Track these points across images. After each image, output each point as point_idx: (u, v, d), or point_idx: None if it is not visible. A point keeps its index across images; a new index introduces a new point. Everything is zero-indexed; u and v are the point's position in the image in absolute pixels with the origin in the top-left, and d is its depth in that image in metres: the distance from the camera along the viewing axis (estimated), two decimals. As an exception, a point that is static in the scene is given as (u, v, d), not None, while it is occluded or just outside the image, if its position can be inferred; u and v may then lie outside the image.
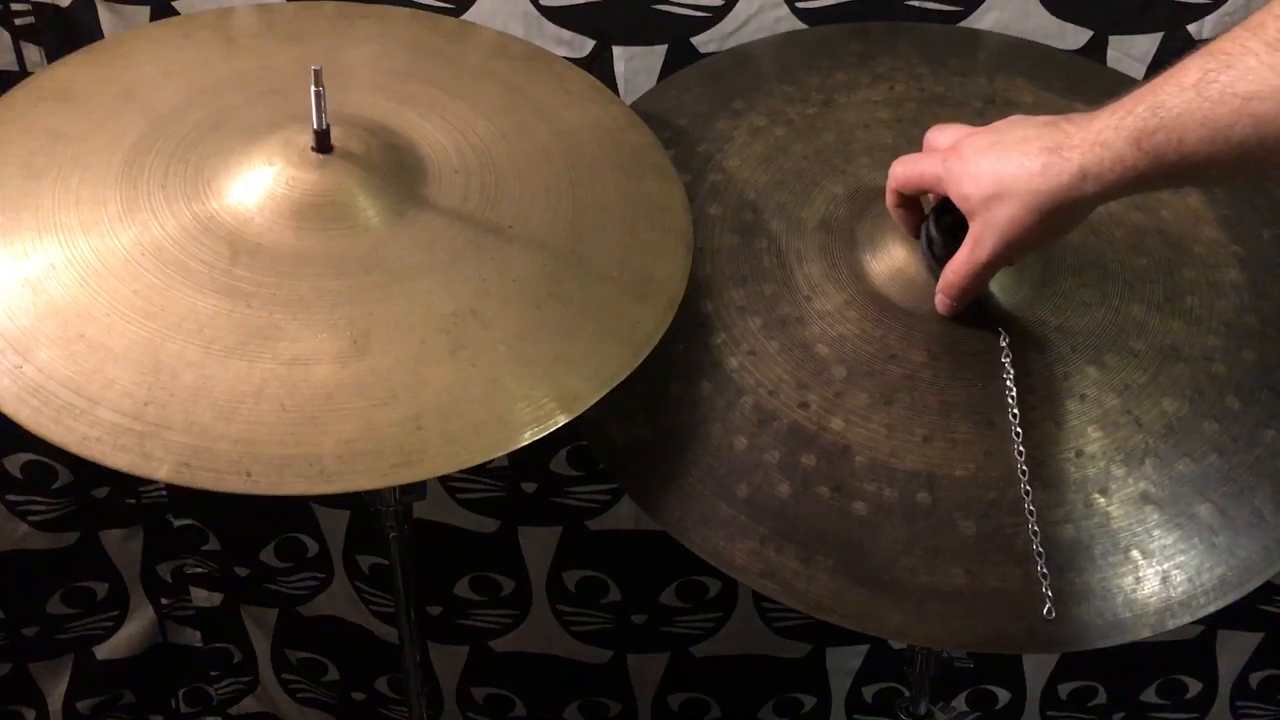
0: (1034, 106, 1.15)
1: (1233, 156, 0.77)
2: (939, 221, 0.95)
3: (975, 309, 0.97)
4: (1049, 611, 0.87)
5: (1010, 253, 0.89)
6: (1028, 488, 0.90)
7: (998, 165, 0.87)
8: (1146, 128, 0.80)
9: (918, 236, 0.98)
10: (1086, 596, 0.89)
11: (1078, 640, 0.89)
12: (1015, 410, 0.93)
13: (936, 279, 0.96)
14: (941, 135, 0.95)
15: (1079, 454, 0.93)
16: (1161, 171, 0.80)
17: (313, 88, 0.88)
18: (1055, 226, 0.87)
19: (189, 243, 0.87)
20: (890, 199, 0.98)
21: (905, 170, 0.95)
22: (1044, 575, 0.88)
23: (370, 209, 0.91)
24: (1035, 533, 0.89)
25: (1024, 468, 0.91)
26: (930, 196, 0.97)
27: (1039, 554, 0.88)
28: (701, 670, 1.73)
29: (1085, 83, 1.19)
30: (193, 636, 1.75)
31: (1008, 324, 0.97)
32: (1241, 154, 0.76)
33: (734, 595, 1.64)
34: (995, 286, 0.99)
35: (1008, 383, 0.94)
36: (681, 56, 1.26)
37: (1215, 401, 0.97)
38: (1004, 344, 0.95)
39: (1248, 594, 0.90)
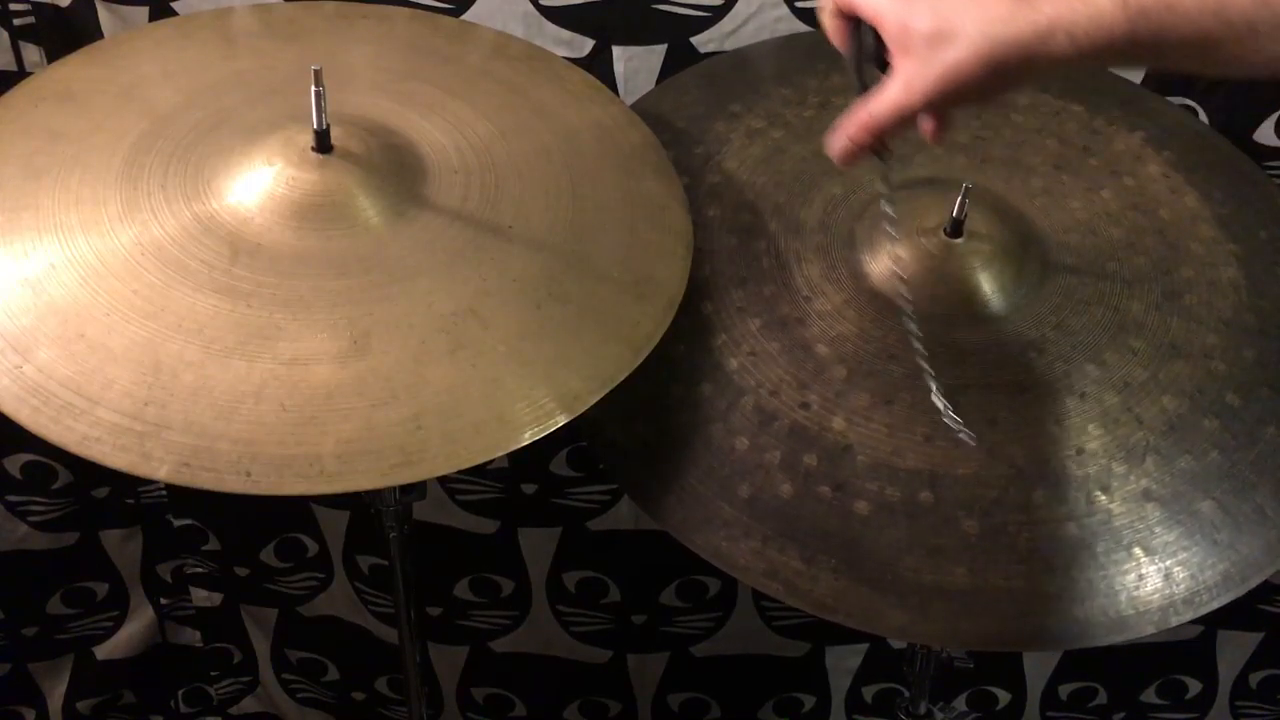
0: (1030, 107, 1.15)
1: (1222, 32, 0.69)
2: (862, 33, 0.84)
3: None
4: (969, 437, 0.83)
5: (944, 102, 0.78)
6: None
7: (956, 4, 0.75)
8: None
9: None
10: (1090, 594, 0.89)
11: (1081, 638, 0.89)
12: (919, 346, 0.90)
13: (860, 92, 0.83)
14: None
15: (1080, 452, 0.93)
16: (1147, 38, 0.71)
17: (313, 88, 0.88)
18: (1004, 82, 0.76)
19: (189, 243, 0.87)
20: (833, 20, 0.85)
21: None
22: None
23: (370, 209, 0.91)
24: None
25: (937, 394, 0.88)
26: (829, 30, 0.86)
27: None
28: (701, 670, 1.73)
29: (1082, 84, 1.19)
30: (193, 636, 1.75)
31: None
32: (1229, 30, 0.69)
33: (734, 595, 1.64)
34: (991, 285, 1.00)
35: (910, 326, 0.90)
36: (681, 56, 1.26)
37: (1215, 399, 0.97)
38: (902, 283, 0.91)
39: (1249, 593, 0.91)
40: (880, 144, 0.83)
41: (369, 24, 1.09)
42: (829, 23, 0.85)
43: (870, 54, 0.83)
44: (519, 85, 1.06)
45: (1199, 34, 0.69)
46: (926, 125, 0.83)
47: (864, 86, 0.82)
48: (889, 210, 0.87)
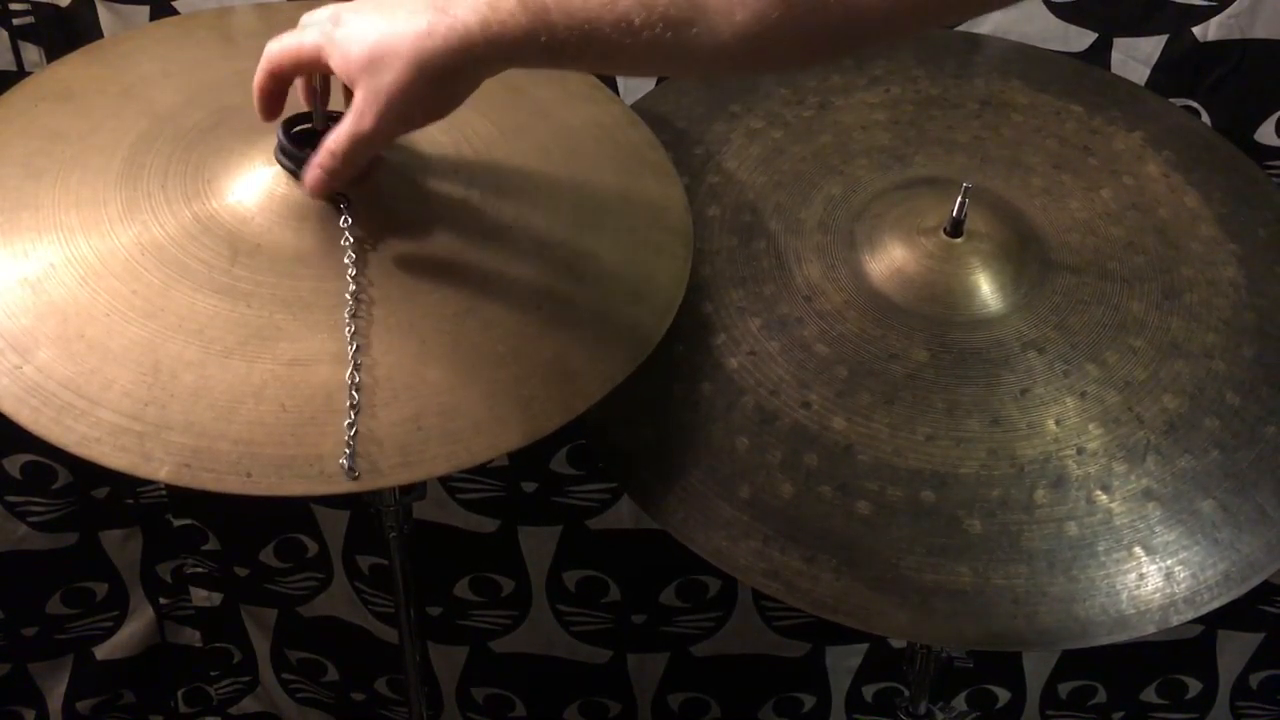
0: (1030, 109, 1.15)
1: (619, 35, 0.70)
2: (288, 131, 0.88)
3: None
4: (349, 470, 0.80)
5: (398, 123, 0.80)
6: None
7: (380, 26, 0.76)
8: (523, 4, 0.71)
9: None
10: (1090, 593, 0.89)
11: (1082, 637, 0.89)
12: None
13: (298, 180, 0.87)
14: (319, 11, 0.83)
15: (1080, 451, 0.93)
16: (552, 42, 0.72)
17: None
18: (448, 93, 0.79)
19: (189, 243, 0.87)
20: (261, 81, 0.85)
21: (282, 46, 0.83)
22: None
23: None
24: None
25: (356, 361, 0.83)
26: (299, 89, 0.88)
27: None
28: (701, 670, 1.73)
29: (1081, 85, 1.19)
30: (192, 636, 1.75)
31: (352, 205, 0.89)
32: (627, 33, 0.70)
33: (734, 594, 1.64)
34: (991, 285, 1.00)
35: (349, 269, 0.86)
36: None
37: (1215, 398, 0.97)
38: (345, 223, 0.87)
39: (1249, 593, 0.91)
40: (349, 178, 0.85)
41: (369, 24, 1.09)
42: (262, 102, 0.86)
43: (287, 148, 0.87)
44: (519, 84, 1.05)
45: (594, 31, 0.70)
46: None
47: (295, 165, 0.87)
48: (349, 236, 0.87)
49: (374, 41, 0.77)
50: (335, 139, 0.82)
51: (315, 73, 0.85)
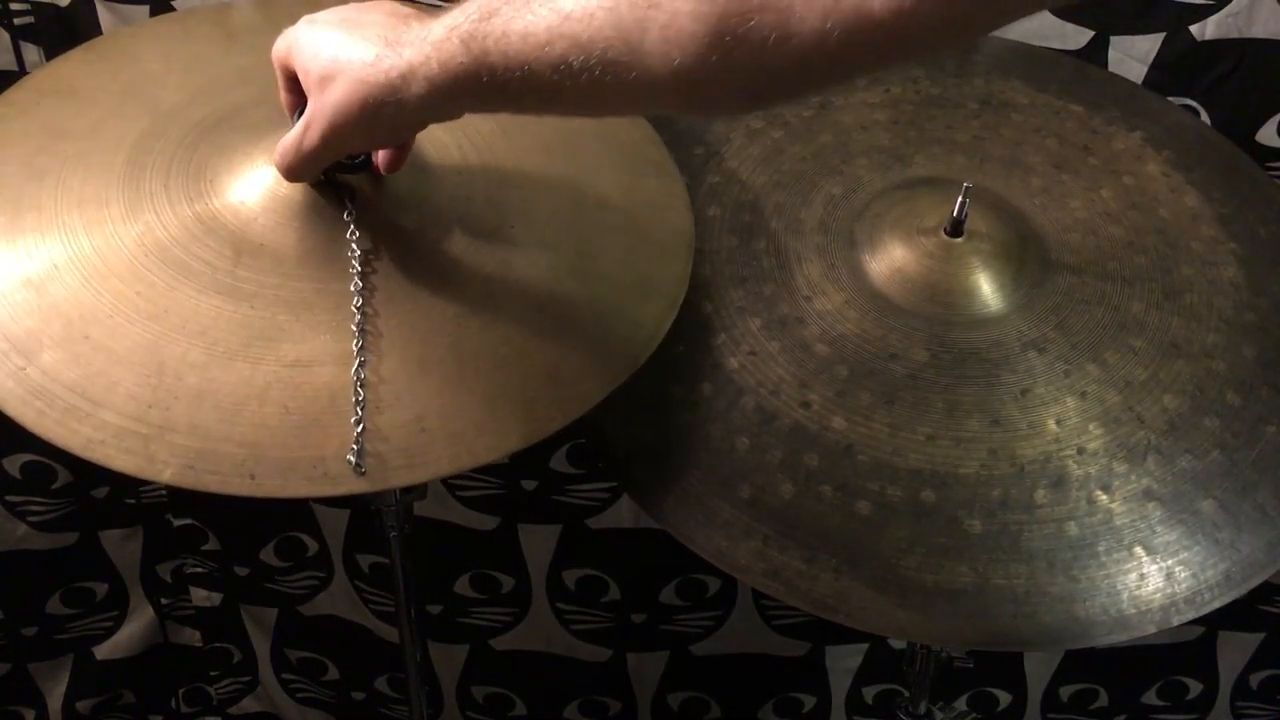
0: (1030, 108, 1.15)
1: (559, 77, 0.70)
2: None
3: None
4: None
5: (337, 143, 0.82)
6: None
7: (338, 45, 0.79)
8: (476, 32, 0.72)
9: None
10: (1091, 593, 0.89)
11: (1083, 637, 0.89)
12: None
13: None
14: (318, 14, 0.85)
15: (1081, 451, 0.93)
16: (494, 83, 0.73)
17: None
18: (383, 125, 0.80)
19: (192, 243, 0.87)
20: (280, 79, 0.88)
21: (280, 42, 0.86)
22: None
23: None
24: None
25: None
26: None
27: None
28: (701, 669, 1.73)
29: (1081, 85, 1.19)
30: (192, 636, 1.75)
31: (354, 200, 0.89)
32: (566, 76, 0.70)
33: (733, 593, 1.64)
34: (991, 285, 1.00)
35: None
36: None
37: (1216, 398, 0.97)
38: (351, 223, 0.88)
39: (1249, 593, 0.91)
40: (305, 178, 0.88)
41: (370, 24, 1.09)
42: (284, 99, 0.88)
43: None
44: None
45: (533, 74, 0.71)
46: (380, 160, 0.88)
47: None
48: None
49: (329, 59, 0.79)
50: (283, 146, 0.85)
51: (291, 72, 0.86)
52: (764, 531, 0.91)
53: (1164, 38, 1.24)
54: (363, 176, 0.90)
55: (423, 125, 0.82)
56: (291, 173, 0.86)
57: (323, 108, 0.80)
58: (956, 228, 1.00)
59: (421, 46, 0.75)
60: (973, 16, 0.63)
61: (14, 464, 1.48)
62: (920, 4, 0.60)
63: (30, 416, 0.79)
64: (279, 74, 0.87)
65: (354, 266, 0.86)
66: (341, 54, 0.78)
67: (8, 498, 1.51)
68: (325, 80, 0.79)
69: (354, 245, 0.87)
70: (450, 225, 0.92)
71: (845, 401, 0.95)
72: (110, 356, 0.81)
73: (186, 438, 0.79)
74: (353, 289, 0.85)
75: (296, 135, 0.83)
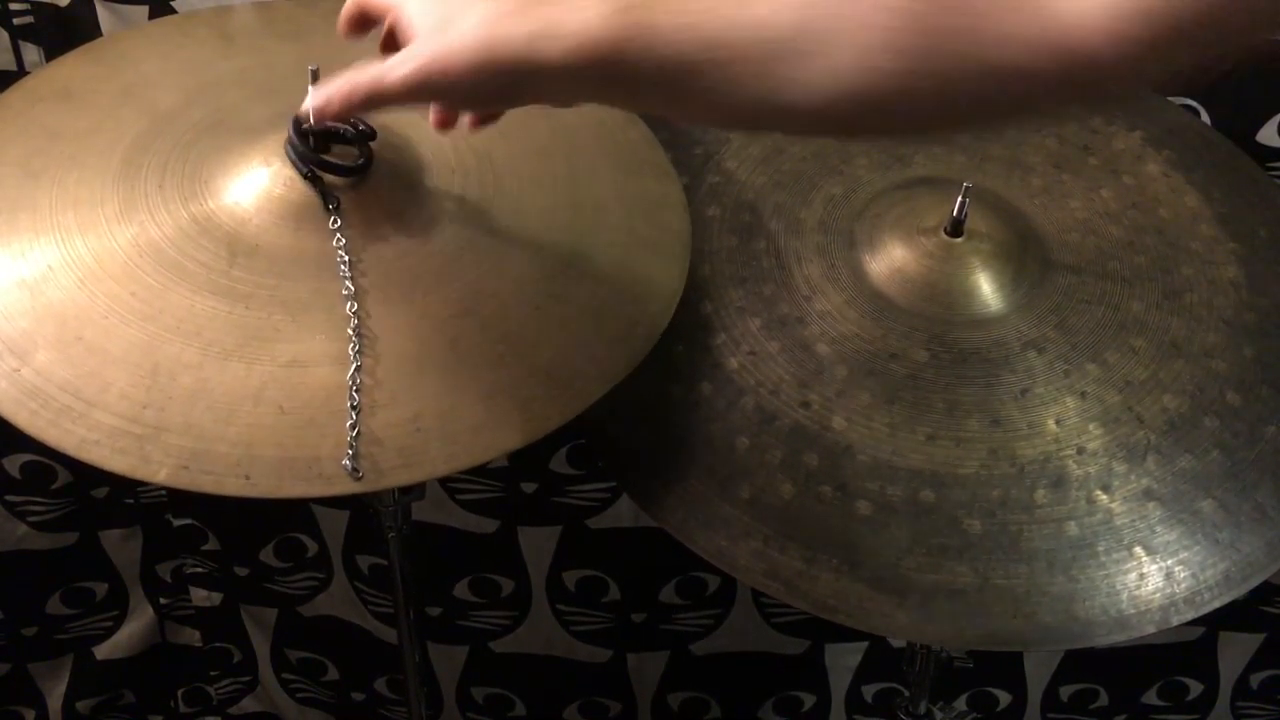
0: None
1: (695, 80, 0.65)
2: (298, 128, 0.87)
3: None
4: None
5: (427, 89, 0.72)
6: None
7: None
8: (631, 3, 0.65)
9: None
10: (1091, 593, 0.88)
11: (1082, 637, 0.89)
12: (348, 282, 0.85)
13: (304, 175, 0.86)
14: None
15: (1081, 451, 0.93)
16: (631, 56, 0.65)
17: (309, 87, 0.87)
18: (495, 86, 0.70)
19: (186, 244, 0.87)
20: (349, 12, 0.81)
21: None
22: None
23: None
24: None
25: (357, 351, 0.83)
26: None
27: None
28: (701, 668, 1.73)
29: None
30: (192, 636, 1.74)
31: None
32: (696, 77, 0.64)
33: (733, 591, 1.63)
34: (991, 285, 0.99)
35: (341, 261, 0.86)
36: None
37: (1216, 398, 0.97)
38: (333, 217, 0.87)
39: (1250, 593, 0.91)
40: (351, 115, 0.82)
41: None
42: (344, 30, 0.82)
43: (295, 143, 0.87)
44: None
45: (680, 58, 0.65)
46: (436, 115, 0.80)
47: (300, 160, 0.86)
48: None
49: (454, 8, 0.71)
50: (357, 76, 0.75)
51: (380, 21, 0.78)
52: (764, 531, 0.90)
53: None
54: (355, 179, 0.89)
55: (536, 100, 0.73)
56: (340, 103, 0.77)
57: (424, 49, 0.71)
58: (956, 228, 1.00)
59: (570, 14, 0.67)
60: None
61: (14, 464, 1.48)
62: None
63: (24, 417, 0.79)
64: (359, 8, 0.79)
65: (343, 270, 0.86)
66: (469, 8, 0.70)
67: (8, 498, 1.50)
68: (440, 26, 0.71)
69: (341, 251, 0.86)
70: (446, 225, 0.92)
71: (845, 401, 0.94)
72: (105, 357, 0.81)
73: (181, 438, 0.79)
74: (344, 293, 0.85)
75: (375, 70, 0.73)
